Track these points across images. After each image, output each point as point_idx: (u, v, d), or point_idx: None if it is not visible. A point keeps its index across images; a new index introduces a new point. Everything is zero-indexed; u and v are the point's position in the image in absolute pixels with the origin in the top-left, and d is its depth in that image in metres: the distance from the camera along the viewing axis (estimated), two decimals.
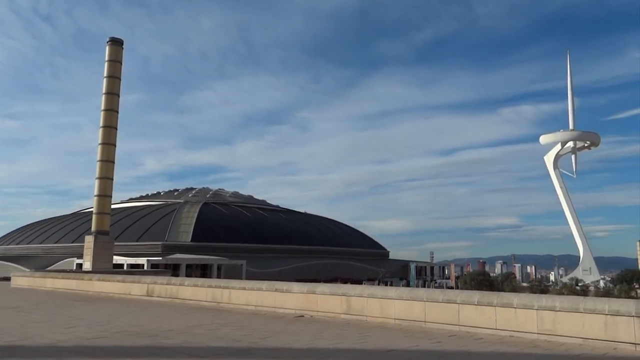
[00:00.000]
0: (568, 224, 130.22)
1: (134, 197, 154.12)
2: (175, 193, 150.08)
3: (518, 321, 12.12)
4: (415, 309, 14.02)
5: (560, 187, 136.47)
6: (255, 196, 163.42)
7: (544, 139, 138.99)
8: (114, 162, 61.15)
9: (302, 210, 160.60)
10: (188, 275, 78.33)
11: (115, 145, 61.30)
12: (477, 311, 12.86)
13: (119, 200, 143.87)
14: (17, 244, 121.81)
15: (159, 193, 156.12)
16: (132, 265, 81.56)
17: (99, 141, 60.51)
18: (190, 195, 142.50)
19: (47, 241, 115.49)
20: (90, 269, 52.69)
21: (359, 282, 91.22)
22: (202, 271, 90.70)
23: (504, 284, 68.09)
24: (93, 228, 59.00)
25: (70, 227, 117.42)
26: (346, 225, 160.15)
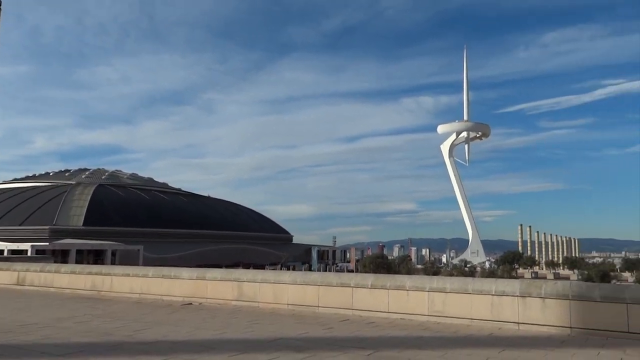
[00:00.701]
0: (460, 210, 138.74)
1: (19, 177, 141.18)
2: (67, 174, 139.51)
3: (410, 303, 12.00)
4: (308, 294, 13.51)
5: (454, 175, 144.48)
6: (156, 179, 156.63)
7: (441, 129, 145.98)
8: None
9: (206, 194, 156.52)
10: (79, 262, 73.09)
11: None
12: (370, 294, 12.60)
13: (1, 180, 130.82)
14: None
15: (47, 173, 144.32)
16: (13, 252, 74.37)
17: None
18: (83, 177, 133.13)
19: None
20: None
21: (262, 267, 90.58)
22: (95, 257, 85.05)
23: (400, 266, 70.87)
24: None
25: None
26: (251, 210, 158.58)
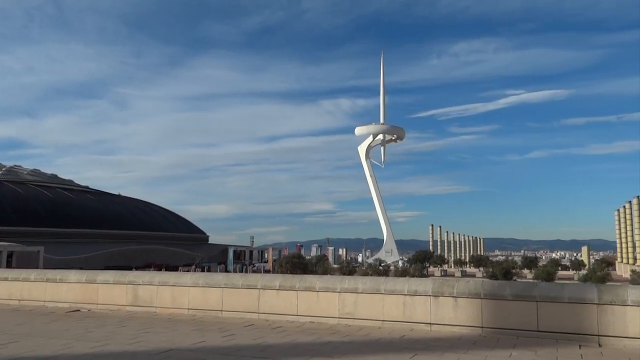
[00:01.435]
0: (375, 210, 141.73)
1: None
2: None
3: (320, 305, 11.25)
4: (211, 297, 12.38)
5: (370, 176, 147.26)
6: (62, 176, 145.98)
7: (358, 131, 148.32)
8: None
9: (116, 193, 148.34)
10: None
11: None
12: (278, 296, 11.70)
13: None
14: None
15: None
16: None
17: None
18: None
19: None
20: None
21: (175, 268, 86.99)
22: None
23: (317, 266, 70.68)
24: None
25: None
26: (164, 209, 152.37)
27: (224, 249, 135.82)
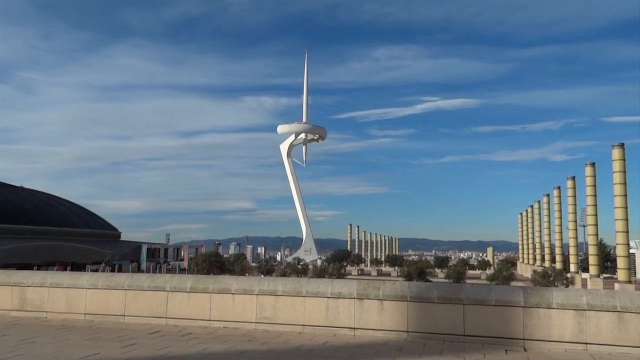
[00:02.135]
0: (295, 209, 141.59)
1: None
2: None
3: (236, 309, 10.30)
4: (113, 300, 11.03)
5: (292, 175, 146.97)
6: None
7: (280, 129, 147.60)
8: None
9: (18, 184, 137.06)
10: None
11: None
12: (189, 300, 10.61)
13: None
14: None
15: None
16: None
17: None
18: None
19: None
20: None
21: (83, 266, 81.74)
22: None
23: (235, 264, 68.89)
24: None
25: None
26: (72, 203, 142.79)
27: (137, 246, 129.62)
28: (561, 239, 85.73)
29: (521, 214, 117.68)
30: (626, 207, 52.95)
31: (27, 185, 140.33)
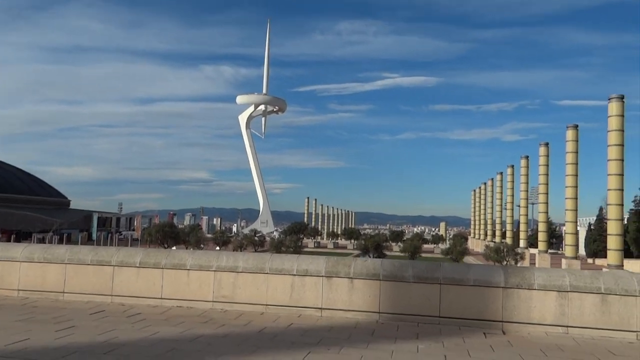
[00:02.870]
0: (253, 181, 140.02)
1: None
2: None
3: (192, 287, 9.35)
4: (51, 275, 9.84)
5: (250, 146, 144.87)
6: None
7: (240, 99, 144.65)
8: None
9: None
10: None
11: None
12: (138, 275, 9.56)
13: None
14: None
15: None
16: None
17: None
18: None
19: None
20: None
21: (29, 234, 78.07)
22: None
23: (189, 235, 67.35)
24: None
25: None
26: (17, 168, 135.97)
27: (87, 215, 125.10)
28: (512, 216, 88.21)
29: (474, 191, 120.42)
30: (576, 187, 54.45)
31: None
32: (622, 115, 44.57)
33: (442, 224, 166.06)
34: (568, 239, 55.18)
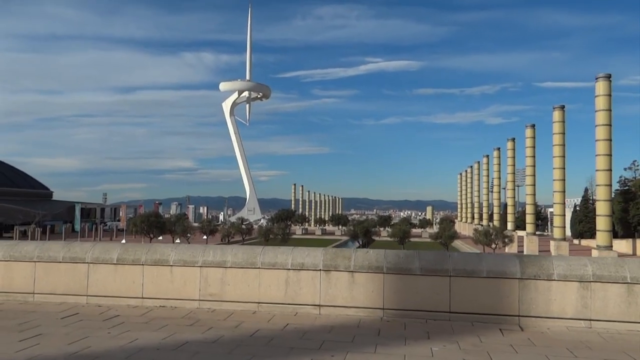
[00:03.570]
0: (239, 169, 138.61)
1: None
2: None
3: (175, 284, 8.49)
4: (18, 274, 8.90)
5: (235, 134, 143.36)
6: None
7: (223, 86, 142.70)
8: None
9: None
10: None
11: None
12: (116, 273, 8.68)
13: None
14: None
15: None
16: None
17: None
18: None
19: None
20: None
21: (11, 227, 76.25)
22: None
23: (176, 225, 66.20)
24: None
25: None
26: None
27: (71, 206, 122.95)
28: (499, 199, 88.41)
29: (461, 174, 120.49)
30: (564, 168, 54.25)
31: None
32: (610, 95, 44.26)
33: (429, 208, 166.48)
34: (556, 221, 55.07)
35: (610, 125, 43.89)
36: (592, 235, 75.56)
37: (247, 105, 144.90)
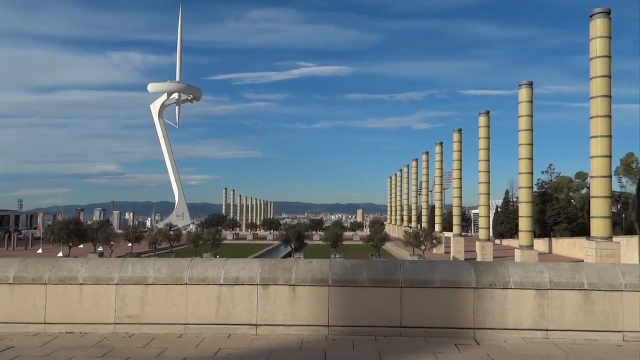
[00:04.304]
0: (168, 173, 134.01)
1: None
2: None
3: (86, 306, 7.25)
4: None
5: (164, 137, 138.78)
6: None
7: (152, 88, 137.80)
8: None
9: None
10: None
11: None
12: (13, 295, 7.30)
13: None
14: None
15: None
16: None
17: None
18: None
19: None
20: None
21: None
22: None
23: (98, 232, 62.32)
24: None
25: None
26: None
27: None
28: (427, 202, 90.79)
29: (391, 178, 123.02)
30: (489, 172, 56.21)
31: None
32: (532, 102, 46.22)
33: (360, 211, 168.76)
34: (482, 222, 56.88)
35: (532, 130, 45.85)
36: (512, 235, 79.40)
37: (177, 108, 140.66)
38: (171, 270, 7.26)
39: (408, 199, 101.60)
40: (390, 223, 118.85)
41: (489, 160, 55.46)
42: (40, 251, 53.79)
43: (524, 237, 46.78)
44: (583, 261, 43.66)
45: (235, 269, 7.22)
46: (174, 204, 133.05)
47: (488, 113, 56.00)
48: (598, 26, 33.56)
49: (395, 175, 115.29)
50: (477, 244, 52.91)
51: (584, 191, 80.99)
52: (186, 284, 7.17)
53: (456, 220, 65.06)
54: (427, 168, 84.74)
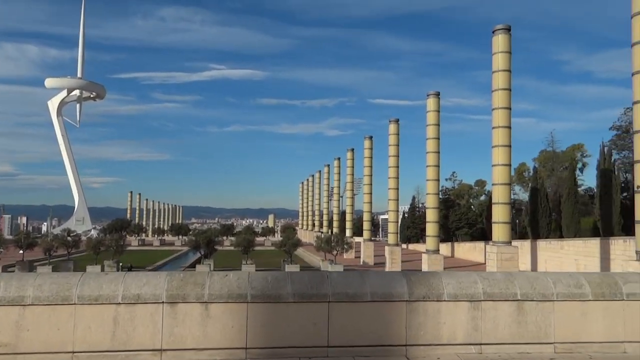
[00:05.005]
0: (66, 175, 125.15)
1: None
2: None
3: None
4: None
5: (62, 136, 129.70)
6: None
7: (49, 83, 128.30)
8: None
9: None
10: None
11: None
12: None
13: None
14: None
15: None
16: None
17: None
18: None
19: None
20: None
21: None
22: None
23: None
24: None
25: None
26: None
27: None
28: (339, 206, 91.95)
29: (302, 183, 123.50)
30: (397, 178, 57.74)
31: None
32: (438, 111, 48.01)
33: (271, 216, 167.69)
34: (390, 227, 58.20)
35: (438, 138, 47.57)
36: (417, 240, 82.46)
37: (78, 105, 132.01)
38: (56, 287, 6.02)
39: (319, 204, 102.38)
40: (302, 228, 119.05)
41: (397, 167, 56.96)
42: None
43: (430, 242, 48.32)
44: (484, 264, 46.00)
45: (136, 284, 6.13)
46: (74, 207, 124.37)
47: (397, 121, 57.51)
48: (500, 41, 35.42)
49: (307, 180, 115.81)
50: (386, 248, 54.00)
51: (483, 197, 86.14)
52: (74, 304, 5.97)
53: (366, 225, 66.22)
54: (339, 174, 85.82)
